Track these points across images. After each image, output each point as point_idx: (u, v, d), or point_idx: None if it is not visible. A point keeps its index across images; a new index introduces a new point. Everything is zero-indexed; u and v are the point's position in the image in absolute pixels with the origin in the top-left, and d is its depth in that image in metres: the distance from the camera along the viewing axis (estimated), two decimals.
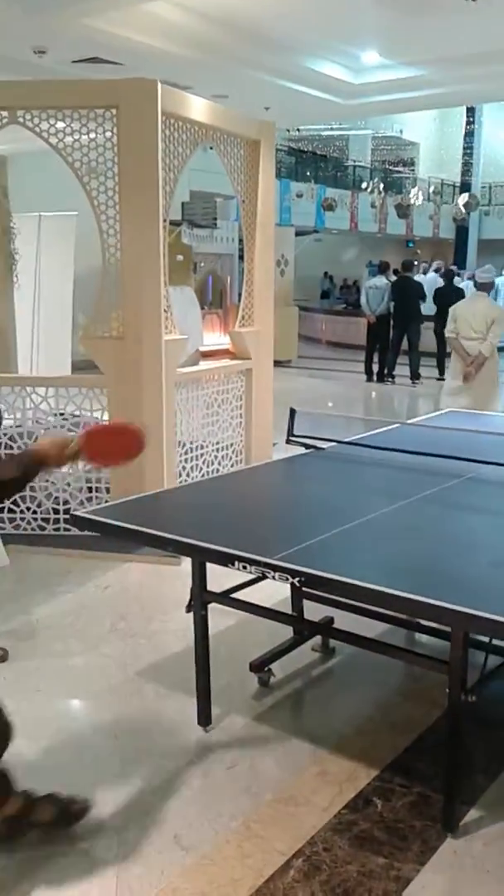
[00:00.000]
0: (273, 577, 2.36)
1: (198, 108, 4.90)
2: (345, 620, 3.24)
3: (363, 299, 12.73)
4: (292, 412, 3.91)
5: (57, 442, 2.29)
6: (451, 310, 7.09)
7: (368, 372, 12.87)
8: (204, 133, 5.02)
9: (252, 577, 2.74)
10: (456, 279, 14.07)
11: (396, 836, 2.40)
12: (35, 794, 2.34)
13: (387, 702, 3.17)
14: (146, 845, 2.36)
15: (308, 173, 23.08)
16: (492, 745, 2.85)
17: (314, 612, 3.42)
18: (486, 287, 7.22)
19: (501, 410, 7.54)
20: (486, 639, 2.51)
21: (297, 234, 17.79)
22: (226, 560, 2.43)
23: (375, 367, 12.78)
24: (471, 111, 26.71)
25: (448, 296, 12.93)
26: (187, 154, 4.83)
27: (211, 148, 5.38)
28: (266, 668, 3.29)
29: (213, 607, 2.96)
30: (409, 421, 5.08)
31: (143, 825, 2.44)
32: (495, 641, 2.49)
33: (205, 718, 2.96)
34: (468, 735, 2.77)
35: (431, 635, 3.47)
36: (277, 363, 9.70)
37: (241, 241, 5.76)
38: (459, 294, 13.27)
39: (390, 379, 12.61)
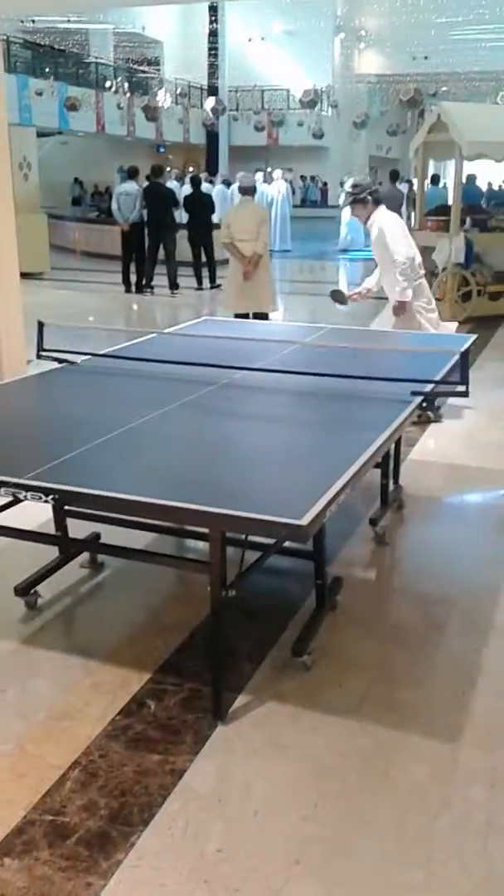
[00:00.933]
0: (26, 498, 2.28)
1: None
2: (112, 534, 3.24)
3: (115, 206, 12.33)
4: (40, 325, 3.74)
5: None
6: (223, 216, 7.98)
7: (126, 283, 12.62)
8: None
9: (8, 500, 2.63)
10: (204, 185, 14.02)
11: (170, 732, 2.49)
12: None
13: (158, 607, 3.24)
14: None
15: (47, 69, 21.64)
16: (255, 634, 3.02)
17: (81, 529, 3.38)
18: (249, 191, 7.93)
19: (274, 308, 8.03)
20: (242, 536, 2.61)
21: (40, 135, 16.77)
22: None
23: (134, 278, 12.56)
24: (213, 9, 26.25)
25: (196, 202, 12.91)
26: None
27: None
28: (32, 591, 3.23)
29: None
30: (165, 330, 5.06)
31: None
32: (251, 538, 2.60)
33: None
34: (232, 627, 2.91)
35: (196, 539, 3.58)
36: (28, 275, 9.23)
37: None
38: (208, 200, 13.31)
39: (149, 289, 12.46)
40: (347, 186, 5.44)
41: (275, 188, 19.66)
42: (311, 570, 3.15)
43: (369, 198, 5.24)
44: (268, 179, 20.21)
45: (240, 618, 3.09)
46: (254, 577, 2.72)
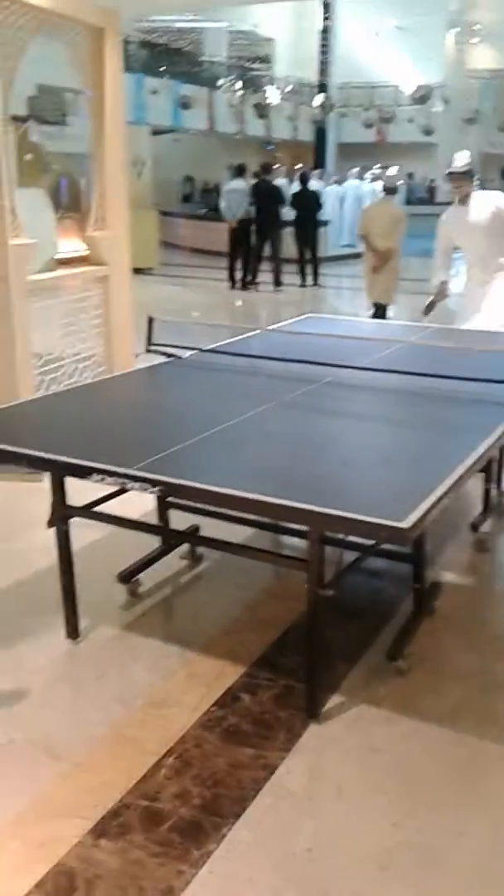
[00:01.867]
0: (133, 488, 2.34)
1: None
2: (212, 527, 3.28)
3: (223, 203, 12.47)
4: (150, 320, 3.82)
5: None
6: (362, 211, 8.85)
7: (232, 279, 12.75)
8: (43, 18, 4.64)
9: (115, 489, 2.71)
10: (311, 182, 13.98)
11: (263, 726, 2.50)
12: None
13: (253, 602, 3.26)
14: (18, 757, 2.36)
15: (162, 68, 22.02)
16: (351, 635, 3.00)
17: (182, 521, 3.45)
18: (391, 191, 8.65)
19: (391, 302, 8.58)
20: (341, 535, 2.60)
21: (154, 133, 17.12)
22: (83, 473, 2.38)
23: (239, 274, 12.67)
24: (327, 6, 26.11)
25: (303, 199, 12.90)
26: (24, 40, 4.47)
27: (55, 36, 5.00)
28: (134, 579, 3.31)
29: (82, 522, 2.91)
30: (269, 327, 5.08)
31: (12, 738, 2.44)
32: (350, 537, 2.58)
33: (72, 631, 2.95)
34: (328, 627, 2.90)
35: (294, 536, 3.59)
36: (138, 271, 9.43)
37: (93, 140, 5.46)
38: (315, 197, 13.27)
39: (253, 286, 12.55)
40: (460, 159, 5.11)
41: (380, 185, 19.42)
42: (409, 574, 3.11)
43: (474, 175, 5.11)
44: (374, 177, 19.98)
45: (335, 617, 3.08)
46: (351, 577, 2.70)
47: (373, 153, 26.31)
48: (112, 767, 2.33)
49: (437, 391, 3.24)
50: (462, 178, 5.10)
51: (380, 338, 4.31)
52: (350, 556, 2.68)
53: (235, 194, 12.20)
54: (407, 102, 24.90)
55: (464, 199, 5.14)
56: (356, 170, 20.77)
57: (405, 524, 1.97)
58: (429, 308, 5.43)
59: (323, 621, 2.53)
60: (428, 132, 26.20)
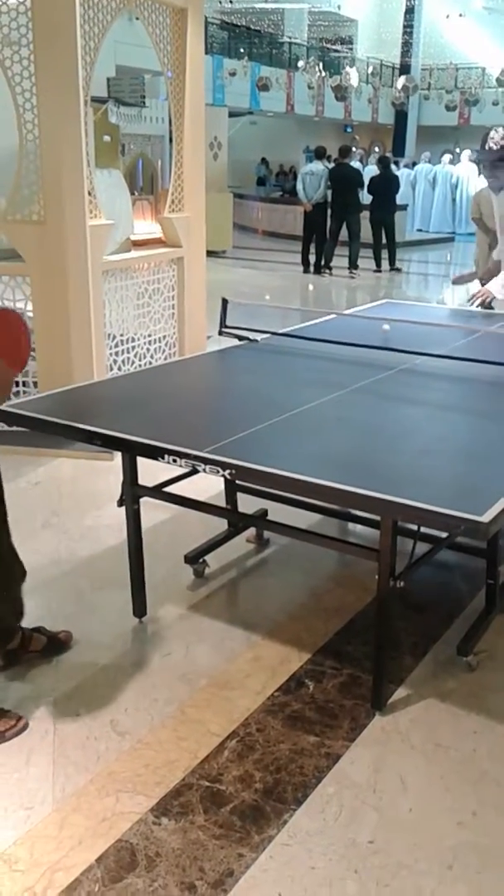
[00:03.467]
0: (204, 470, 2.33)
1: None
2: (279, 512, 3.26)
3: (299, 186, 12.36)
4: (224, 302, 3.80)
5: None
6: (474, 195, 7.25)
7: (305, 263, 12.65)
8: None
9: (185, 471, 2.71)
10: (392, 166, 13.78)
11: (327, 715, 2.48)
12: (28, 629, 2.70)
13: (319, 589, 3.24)
14: (82, 732, 2.39)
15: (242, 50, 21.93)
16: (419, 628, 2.95)
17: (249, 504, 3.44)
18: None
19: None
20: (413, 527, 2.55)
21: (231, 115, 17.07)
22: (155, 453, 2.38)
23: (312, 258, 12.56)
24: None
25: (382, 183, 12.69)
26: (108, 21, 4.48)
27: (137, 18, 5.00)
28: (201, 560, 3.31)
29: (150, 503, 2.93)
30: (345, 312, 5.02)
31: (77, 713, 2.47)
32: (423, 529, 2.53)
33: (140, 610, 2.98)
34: (396, 618, 2.86)
35: (363, 524, 3.54)
36: (211, 253, 9.45)
37: (171, 122, 5.47)
38: (394, 181, 13.04)
39: (327, 270, 12.43)
40: (497, 138, 3.82)
41: (462, 169, 19.03)
42: (481, 568, 3.03)
43: None
44: (454, 161, 19.59)
45: (404, 609, 3.03)
46: (421, 569, 2.65)
47: (454, 136, 25.75)
48: (175, 746, 2.34)
49: None
50: (498, 165, 3.93)
51: (459, 325, 4.20)
52: (422, 547, 2.62)
53: (313, 177, 12.08)
54: (492, 85, 24.19)
55: (498, 190, 4.18)
56: (428, 153, 20.38)
57: (484, 518, 1.91)
58: (464, 279, 4.96)
59: (392, 612, 2.49)
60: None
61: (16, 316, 2.33)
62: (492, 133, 3.87)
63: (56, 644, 2.77)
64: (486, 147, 3.87)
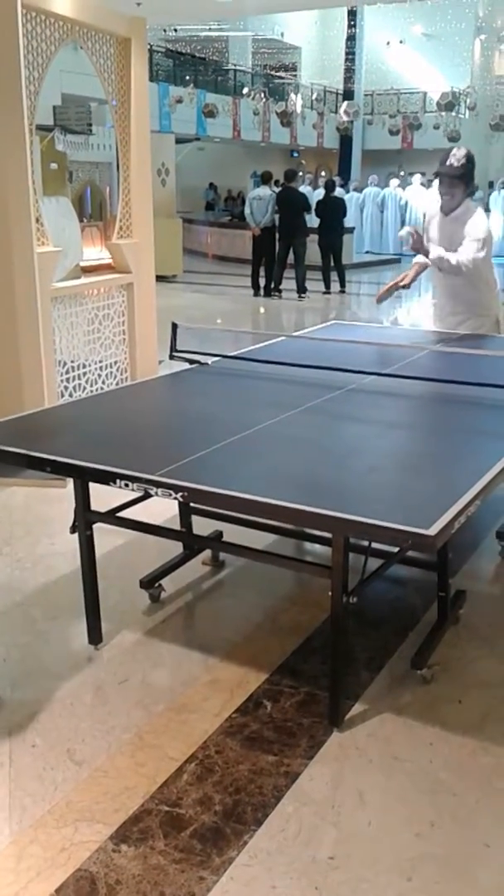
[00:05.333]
0: (156, 494, 2.34)
1: (62, 1, 4.56)
2: (234, 533, 3.28)
3: (247, 211, 12.52)
4: (174, 327, 3.83)
5: None
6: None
7: (255, 286, 12.77)
8: (70, 29, 4.69)
9: (137, 495, 2.72)
10: (338, 189, 14.00)
11: (285, 734, 2.49)
12: None
13: (275, 608, 3.25)
14: (39, 763, 2.37)
15: (187, 77, 22.17)
16: (374, 643, 2.98)
17: (204, 527, 3.45)
18: None
19: None
20: (365, 543, 2.58)
21: (178, 141, 17.22)
22: (106, 478, 2.38)
23: (262, 282, 12.69)
24: (352, 14, 26.16)
25: (328, 207, 12.90)
26: (52, 51, 4.52)
27: (81, 47, 5.05)
28: (156, 584, 3.31)
29: (104, 528, 2.93)
30: (294, 333, 5.08)
31: (34, 743, 2.45)
32: (374, 545, 2.57)
33: (95, 637, 2.96)
34: (351, 634, 2.89)
35: (316, 542, 3.58)
36: (162, 278, 9.50)
37: (118, 149, 5.51)
38: (340, 205, 13.27)
39: (277, 293, 12.56)
40: (459, 155, 4.02)
41: (410, 193, 19.46)
42: (433, 581, 3.08)
43: (471, 180, 4.14)
44: (403, 184, 20.02)
45: (359, 625, 3.06)
46: (374, 584, 2.68)
47: (398, 160, 26.31)
48: (133, 773, 2.33)
49: (462, 398, 3.21)
50: (454, 183, 4.07)
51: (405, 344, 4.28)
52: (374, 563, 2.66)
53: (260, 201, 12.25)
54: (433, 109, 24.82)
55: (449, 210, 4.19)
56: (375, 177, 20.80)
57: (431, 531, 1.96)
58: (386, 293, 4.58)
59: (346, 629, 2.52)
60: (454, 139, 26.11)
61: None
62: (454, 151, 4.08)
63: None
64: (448, 163, 4.05)
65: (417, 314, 8.81)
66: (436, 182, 4.30)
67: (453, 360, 3.89)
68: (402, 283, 4.51)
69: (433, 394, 3.31)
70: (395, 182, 20.11)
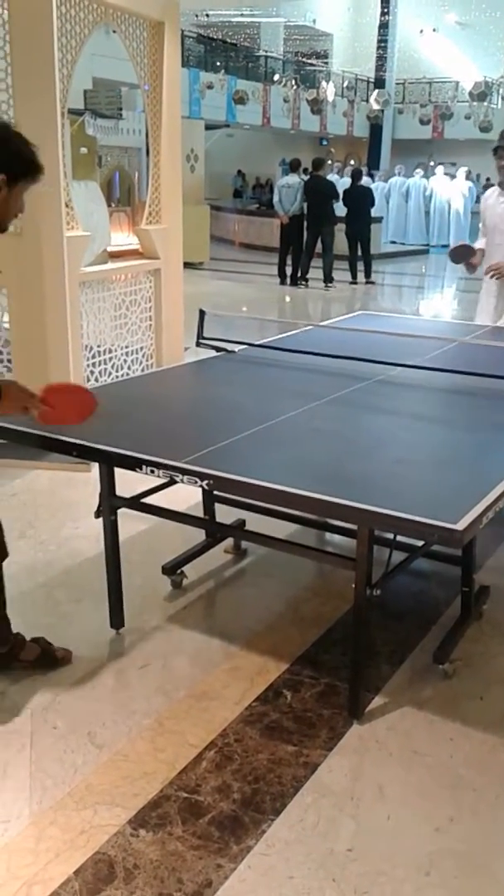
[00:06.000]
0: (181, 481, 2.34)
1: None
2: (257, 522, 3.27)
3: (276, 199, 12.46)
4: (202, 314, 3.82)
5: (22, 395, 2.32)
6: None
7: (282, 275, 12.72)
8: (103, 12, 4.67)
9: (163, 481, 2.72)
10: (365, 179, 13.89)
11: (305, 724, 2.49)
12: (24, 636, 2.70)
13: (297, 598, 3.25)
14: (60, 745, 2.38)
15: (218, 63, 22.06)
16: (396, 636, 2.97)
17: (227, 515, 3.44)
18: None
19: None
20: (390, 535, 2.57)
21: (208, 128, 17.15)
22: (133, 464, 2.39)
23: (289, 270, 12.63)
24: (385, 1, 25.88)
25: (355, 196, 12.80)
26: (85, 34, 4.50)
27: (114, 31, 5.03)
28: (178, 571, 3.31)
29: (128, 513, 2.93)
30: (321, 323, 5.06)
31: (55, 726, 2.46)
32: (399, 537, 2.55)
33: (117, 621, 2.97)
34: (373, 627, 2.88)
35: (340, 534, 3.56)
36: (189, 265, 9.48)
37: (148, 134, 5.49)
38: (368, 194, 13.17)
39: (304, 282, 12.50)
40: None
41: (435, 182, 19.25)
42: (457, 576, 3.06)
43: None
44: (427, 174, 19.82)
45: (381, 618, 3.05)
46: (397, 577, 2.67)
47: (428, 150, 26.05)
48: (153, 758, 2.34)
49: (492, 391, 3.18)
50: None
51: (433, 336, 4.25)
52: (398, 556, 2.65)
53: (289, 189, 12.18)
54: (465, 99, 24.52)
55: None
56: (402, 166, 20.61)
57: (458, 526, 1.94)
58: (462, 252, 4.82)
59: (368, 621, 2.51)
60: (485, 129, 25.82)
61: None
62: None
63: (50, 658, 2.72)
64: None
65: (441, 307, 8.72)
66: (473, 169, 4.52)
67: (483, 352, 3.85)
68: (475, 262, 4.72)
69: (462, 386, 3.28)
70: (419, 172, 19.92)
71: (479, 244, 4.87)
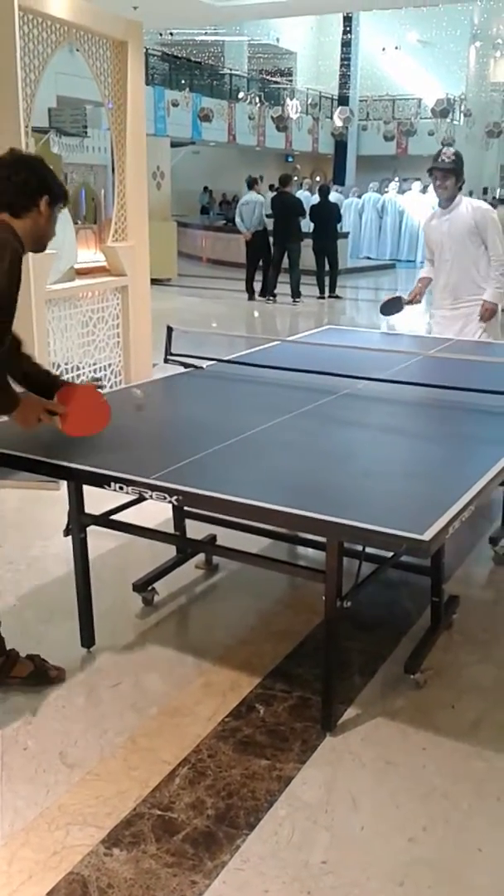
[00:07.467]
0: (151, 497, 2.34)
1: (59, 4, 4.56)
2: (228, 537, 3.28)
3: (237, 218, 12.55)
4: (169, 330, 3.84)
5: (37, 407, 2.49)
6: None
7: (249, 290, 12.78)
8: (66, 31, 4.70)
9: (132, 498, 2.71)
10: (334, 195, 14.03)
11: (278, 738, 2.49)
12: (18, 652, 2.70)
13: (269, 612, 3.25)
14: (31, 765, 2.36)
15: (183, 81, 22.20)
16: (367, 647, 2.98)
17: (198, 530, 3.44)
18: None
19: None
20: (359, 547, 2.59)
21: (174, 145, 17.22)
22: (101, 481, 2.39)
23: (257, 286, 12.70)
24: (348, 20, 26.21)
25: (322, 211, 12.93)
26: (48, 54, 4.52)
27: (77, 50, 5.05)
28: (150, 588, 3.30)
29: (98, 531, 2.92)
30: (289, 338, 5.09)
31: (26, 746, 2.44)
32: (368, 549, 2.57)
33: (88, 639, 2.95)
34: (345, 639, 2.89)
35: (310, 547, 3.58)
36: (156, 282, 9.50)
37: (113, 152, 5.51)
38: (334, 210, 13.30)
39: (271, 297, 12.57)
40: (449, 153, 4.50)
41: (408, 199, 19.49)
42: (427, 587, 3.08)
43: (461, 175, 4.54)
44: (400, 190, 20.06)
45: (352, 629, 3.06)
46: (368, 589, 2.69)
47: (392, 165, 26.37)
48: (126, 776, 2.32)
49: (457, 403, 3.22)
50: (447, 175, 4.51)
51: (399, 350, 4.29)
52: (368, 567, 2.67)
53: (246, 206, 12.30)
54: (428, 115, 24.90)
55: (447, 203, 4.62)
56: (375, 183, 20.85)
57: (425, 536, 1.96)
58: (392, 305, 4.89)
59: (340, 633, 2.52)
60: (448, 145, 26.22)
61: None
62: (444, 149, 4.63)
63: (42, 676, 2.70)
64: (440, 159, 4.55)
65: (412, 321, 8.83)
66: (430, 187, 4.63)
67: (448, 365, 3.90)
68: (414, 301, 4.89)
69: (427, 399, 3.32)
70: (393, 187, 20.14)
71: (424, 272, 4.99)
